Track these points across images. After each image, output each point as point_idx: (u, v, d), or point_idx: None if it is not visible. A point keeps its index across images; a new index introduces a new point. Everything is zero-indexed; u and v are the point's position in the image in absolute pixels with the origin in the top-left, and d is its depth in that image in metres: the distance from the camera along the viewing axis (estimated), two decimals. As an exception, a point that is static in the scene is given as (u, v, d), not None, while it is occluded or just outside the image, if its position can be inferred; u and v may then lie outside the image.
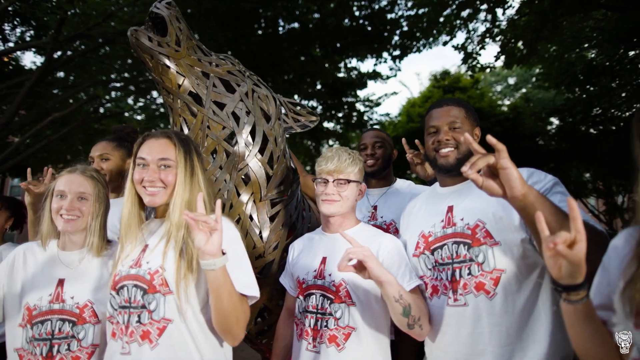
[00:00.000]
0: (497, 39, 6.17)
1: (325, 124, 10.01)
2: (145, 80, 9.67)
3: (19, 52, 8.97)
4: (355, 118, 9.77)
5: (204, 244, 1.07)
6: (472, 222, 1.27)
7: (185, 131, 1.66)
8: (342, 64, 9.15)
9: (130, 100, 10.48)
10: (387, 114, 10.37)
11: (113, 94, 10.05)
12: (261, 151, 1.69)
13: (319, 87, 9.22)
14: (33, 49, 8.87)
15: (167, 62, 1.58)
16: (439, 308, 1.30)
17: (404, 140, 1.90)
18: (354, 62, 9.15)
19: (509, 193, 1.01)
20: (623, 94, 8.83)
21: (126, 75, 9.77)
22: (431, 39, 7.81)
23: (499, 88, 15.65)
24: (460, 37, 6.19)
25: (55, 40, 6.83)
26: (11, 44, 8.31)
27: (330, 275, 1.42)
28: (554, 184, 1.20)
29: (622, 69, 7.92)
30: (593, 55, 8.48)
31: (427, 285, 1.36)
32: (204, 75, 1.66)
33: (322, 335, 1.38)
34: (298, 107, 1.97)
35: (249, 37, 7.84)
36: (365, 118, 9.88)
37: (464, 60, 5.91)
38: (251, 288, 1.21)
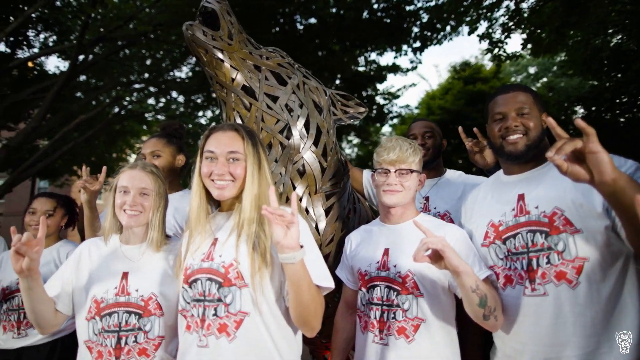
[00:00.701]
0: (523, 26, 6.01)
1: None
2: (165, 81, 9.79)
3: (43, 58, 9.17)
4: (375, 111, 9.69)
5: (282, 238, 1.06)
6: (548, 210, 1.22)
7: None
8: (361, 58, 9.07)
9: (151, 101, 10.61)
10: (407, 106, 10.24)
11: (134, 95, 10.17)
12: (315, 143, 1.68)
13: (338, 82, 9.17)
14: (56, 54, 9.06)
15: (221, 55, 1.57)
16: (514, 298, 1.26)
17: (460, 128, 1.86)
18: (373, 56, 9.05)
19: (598, 178, 0.96)
20: (653, 80, 8.52)
21: (146, 76, 9.91)
22: (451, 30, 7.69)
23: (519, 78, 15.32)
24: (482, 26, 6.04)
25: (80, 44, 6.97)
26: (35, 50, 8.50)
27: (395, 266, 1.40)
28: (637, 169, 1.15)
29: (652, 54, 7.63)
30: (620, 41, 8.18)
31: (498, 276, 1.33)
32: (255, 69, 1.65)
33: (390, 327, 1.36)
34: (346, 99, 1.95)
35: (266, 34, 7.84)
36: (385, 111, 9.78)
37: (490, 50, 5.78)
38: (327, 279, 1.19)
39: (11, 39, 7.84)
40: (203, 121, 11.70)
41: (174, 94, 10.54)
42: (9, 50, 8.03)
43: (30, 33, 8.36)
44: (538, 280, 1.21)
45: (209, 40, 1.55)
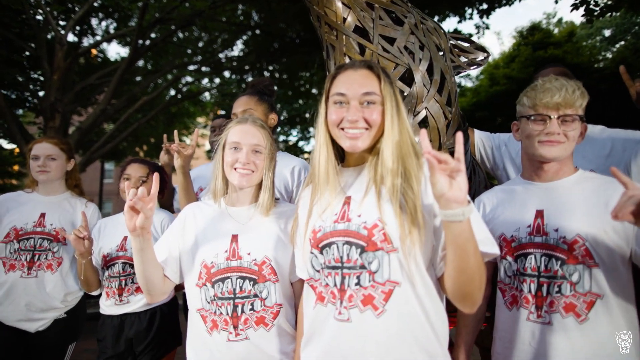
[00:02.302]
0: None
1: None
2: (217, 61, 9.86)
3: (105, 44, 9.54)
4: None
5: (448, 189, 0.85)
6: None
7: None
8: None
9: (205, 82, 10.76)
10: (468, 75, 9.53)
11: (189, 77, 10.36)
12: (439, 91, 1.44)
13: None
14: (117, 40, 9.39)
15: (332, -9, 1.37)
16: None
17: (622, 67, 1.53)
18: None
19: None
20: None
21: (199, 58, 10.03)
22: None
23: (591, 42, 13.83)
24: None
25: (140, 28, 7.12)
26: (98, 38, 8.87)
27: (556, 230, 1.16)
28: None
29: None
30: None
31: None
32: (368, 6, 1.43)
33: (553, 303, 1.13)
34: (464, 43, 1.68)
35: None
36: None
37: (576, 6, 5.09)
38: (492, 244, 0.98)
39: (77, 28, 8.20)
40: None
41: (227, 74, 10.63)
42: (76, 39, 8.43)
43: (93, 22, 8.72)
44: None
45: (318, -27, 1.35)
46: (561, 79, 1.21)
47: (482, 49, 1.66)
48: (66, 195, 2.05)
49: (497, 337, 1.26)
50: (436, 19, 8.26)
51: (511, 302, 1.22)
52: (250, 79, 10.42)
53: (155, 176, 1.17)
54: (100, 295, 1.90)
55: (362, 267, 1.00)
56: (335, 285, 1.03)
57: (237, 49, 10.11)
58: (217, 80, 10.74)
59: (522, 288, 1.19)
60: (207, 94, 11.00)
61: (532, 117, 1.21)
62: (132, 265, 1.82)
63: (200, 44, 9.90)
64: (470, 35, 8.34)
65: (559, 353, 1.10)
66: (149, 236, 1.18)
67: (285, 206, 1.41)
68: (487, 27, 7.76)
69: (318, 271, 1.09)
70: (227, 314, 1.22)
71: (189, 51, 9.85)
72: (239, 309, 1.23)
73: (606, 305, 1.08)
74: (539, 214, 1.21)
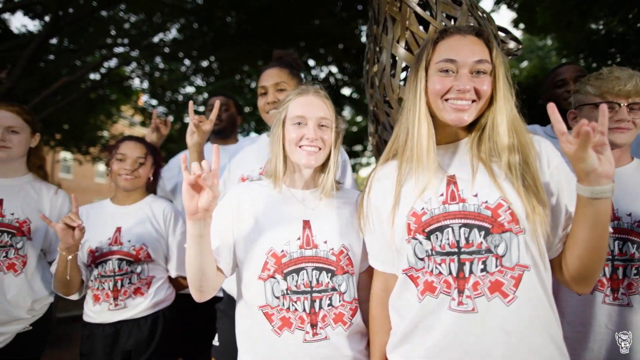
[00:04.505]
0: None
1: (343, 91, 9.56)
2: (150, 45, 9.03)
3: (6, 15, 8.19)
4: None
5: (599, 164, 0.81)
6: None
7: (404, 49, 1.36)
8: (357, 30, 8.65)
9: (134, 66, 9.75)
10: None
11: (116, 60, 9.30)
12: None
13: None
14: (22, 11, 8.10)
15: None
16: None
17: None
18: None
19: None
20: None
21: (125, 41, 9.07)
22: None
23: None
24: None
25: (61, -1, 6.23)
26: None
27: (629, 215, 1.19)
28: None
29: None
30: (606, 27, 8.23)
31: None
32: (430, -19, 1.36)
33: (632, 285, 1.17)
34: (501, 32, 1.68)
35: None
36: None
37: (516, 23, 5.64)
38: None
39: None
40: (189, 89, 10.95)
41: (158, 59, 9.76)
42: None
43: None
44: None
45: None
46: (628, 69, 1.25)
47: (517, 39, 1.69)
48: (28, 178, 1.64)
49: (565, 321, 1.26)
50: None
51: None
52: (183, 68, 9.70)
53: (216, 148, 0.96)
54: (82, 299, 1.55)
55: (488, 250, 0.92)
56: (450, 273, 0.93)
57: (171, 35, 9.28)
58: (148, 67, 9.78)
59: (596, 272, 1.21)
60: (136, 80, 9.99)
61: (601, 104, 1.23)
62: (129, 263, 1.51)
63: (127, 25, 8.94)
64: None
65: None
66: (210, 220, 0.97)
67: (349, 191, 1.28)
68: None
69: (422, 259, 0.98)
70: (305, 310, 1.05)
71: (113, 32, 8.84)
72: (316, 305, 1.06)
73: None
74: (606, 199, 1.24)
